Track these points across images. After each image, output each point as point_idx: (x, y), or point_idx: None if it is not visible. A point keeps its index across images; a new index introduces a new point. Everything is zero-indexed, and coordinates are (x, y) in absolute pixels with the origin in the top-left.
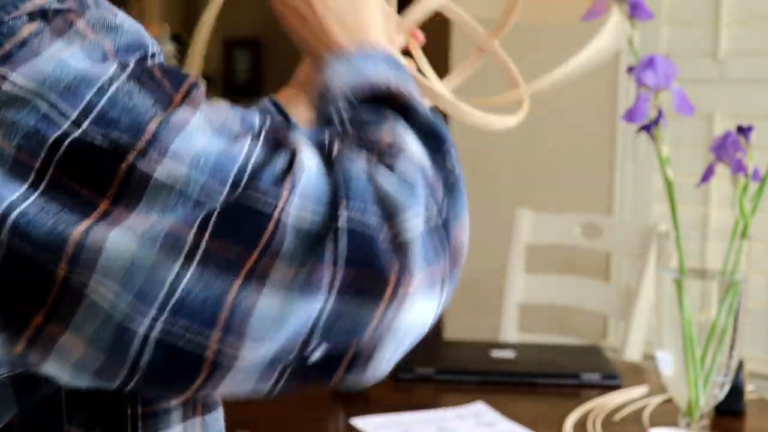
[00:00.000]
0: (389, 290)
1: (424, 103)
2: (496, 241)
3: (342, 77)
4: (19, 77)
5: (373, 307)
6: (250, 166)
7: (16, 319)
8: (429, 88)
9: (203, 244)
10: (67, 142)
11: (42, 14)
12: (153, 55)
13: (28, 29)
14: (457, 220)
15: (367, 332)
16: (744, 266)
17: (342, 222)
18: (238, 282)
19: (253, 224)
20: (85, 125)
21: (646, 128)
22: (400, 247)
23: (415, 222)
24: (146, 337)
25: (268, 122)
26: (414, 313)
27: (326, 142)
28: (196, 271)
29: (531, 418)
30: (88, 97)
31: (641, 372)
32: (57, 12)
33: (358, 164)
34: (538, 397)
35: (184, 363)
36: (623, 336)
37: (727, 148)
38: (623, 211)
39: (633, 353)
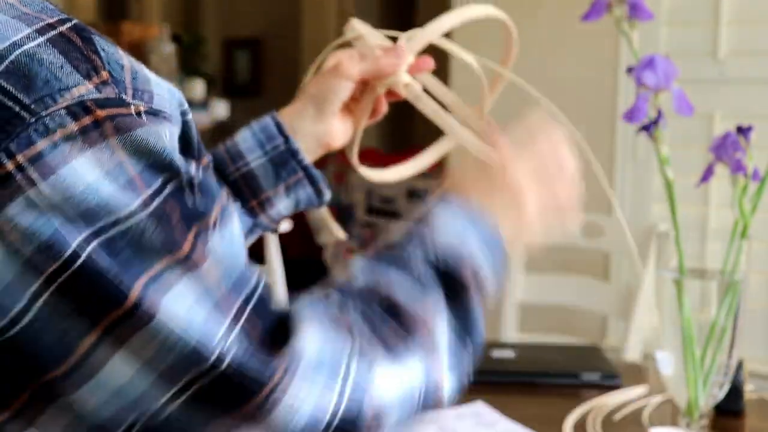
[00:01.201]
0: None
1: (482, 308)
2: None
3: (451, 228)
4: (46, 187)
5: None
6: (233, 345)
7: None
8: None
9: (191, 393)
10: (79, 261)
11: (81, 107)
12: (180, 175)
13: (61, 132)
14: (435, 408)
15: None
16: (744, 266)
17: (337, 421)
18: (217, 426)
19: (242, 393)
20: (90, 248)
21: (646, 128)
22: (377, 423)
23: (390, 423)
24: None
25: (256, 300)
26: None
27: (339, 320)
28: (181, 408)
29: (531, 418)
30: (102, 223)
31: (641, 372)
32: (97, 103)
33: (365, 359)
34: (538, 397)
35: None
36: (623, 336)
37: (727, 148)
38: (623, 211)
39: (633, 353)
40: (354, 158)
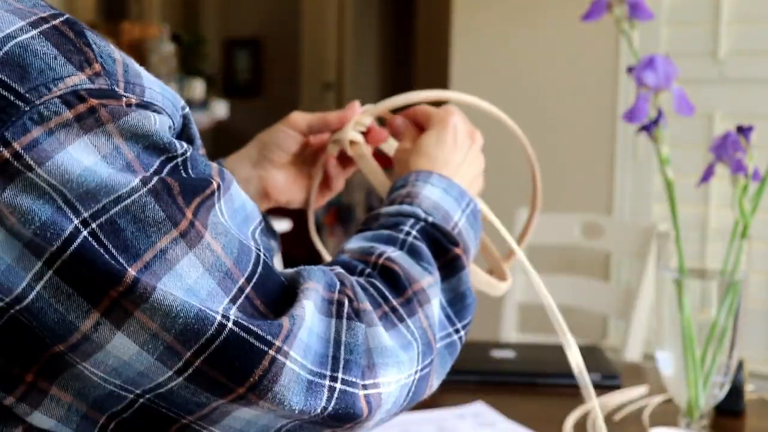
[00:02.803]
0: (356, 429)
1: (469, 265)
2: (496, 241)
3: (433, 195)
4: (43, 172)
5: None
6: (237, 312)
7: (7, 379)
8: None
9: (196, 365)
10: (77, 242)
11: (75, 95)
12: (177, 155)
13: (56, 120)
14: (436, 376)
15: None
16: (744, 266)
17: (338, 385)
18: (222, 401)
19: (245, 360)
20: (88, 230)
21: (646, 128)
22: (374, 400)
23: (393, 385)
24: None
25: (260, 270)
26: None
27: (337, 292)
28: (184, 382)
29: (531, 418)
30: (103, 203)
31: (641, 372)
32: (91, 93)
33: (360, 329)
34: (538, 397)
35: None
36: (623, 336)
37: (727, 148)
38: (623, 211)
39: (633, 353)
40: (310, 225)
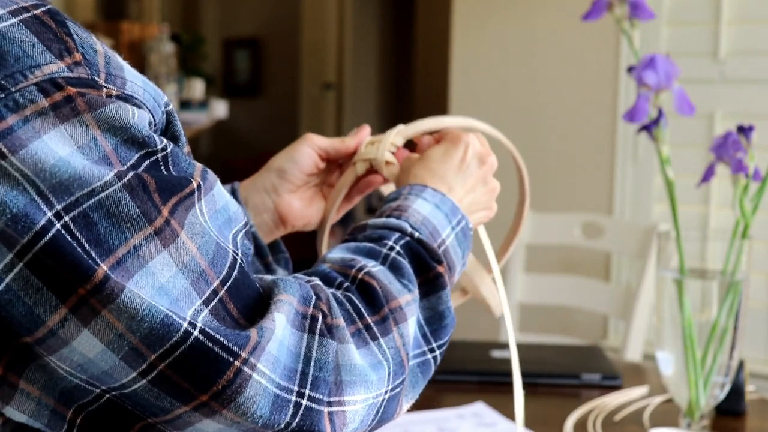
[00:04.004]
0: None
1: (449, 286)
2: (496, 241)
3: (423, 210)
4: (17, 160)
5: None
6: (207, 317)
7: None
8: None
9: (160, 368)
10: (49, 234)
11: (52, 83)
12: (156, 151)
13: (32, 108)
14: (406, 397)
15: None
16: (744, 266)
17: (304, 402)
18: (185, 408)
19: (210, 368)
20: (61, 223)
21: (647, 128)
22: (338, 418)
23: (360, 404)
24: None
25: (236, 274)
26: None
27: (312, 306)
28: (148, 385)
29: (531, 418)
30: (77, 195)
31: (641, 372)
32: (69, 81)
33: (332, 346)
34: (538, 397)
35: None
36: (623, 336)
37: (728, 148)
38: (623, 211)
39: (633, 353)
40: (325, 242)
